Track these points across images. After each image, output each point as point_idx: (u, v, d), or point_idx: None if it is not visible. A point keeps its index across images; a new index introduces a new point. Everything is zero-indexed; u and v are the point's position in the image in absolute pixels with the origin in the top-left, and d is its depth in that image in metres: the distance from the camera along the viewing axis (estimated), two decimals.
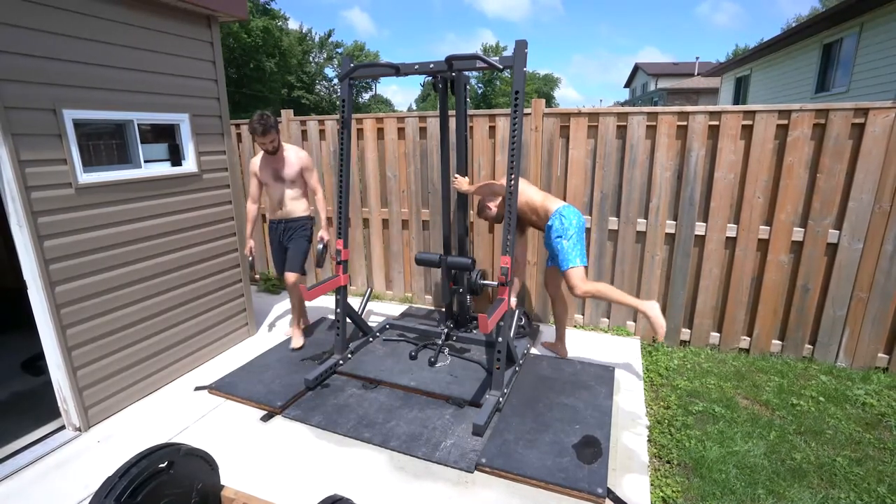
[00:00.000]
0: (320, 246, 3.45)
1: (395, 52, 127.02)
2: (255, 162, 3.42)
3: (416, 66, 2.85)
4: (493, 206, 3.39)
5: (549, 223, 2.99)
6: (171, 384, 3.10)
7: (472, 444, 2.41)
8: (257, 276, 5.16)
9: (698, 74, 25.84)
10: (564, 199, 3.88)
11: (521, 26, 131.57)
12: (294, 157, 3.38)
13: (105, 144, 2.76)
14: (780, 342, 3.42)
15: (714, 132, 3.24)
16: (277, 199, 3.42)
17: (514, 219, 2.59)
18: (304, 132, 4.49)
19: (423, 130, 4.03)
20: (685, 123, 3.27)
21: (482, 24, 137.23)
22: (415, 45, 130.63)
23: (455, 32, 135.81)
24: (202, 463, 1.59)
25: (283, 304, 4.58)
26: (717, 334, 3.56)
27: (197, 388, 3.05)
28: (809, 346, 3.36)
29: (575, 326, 3.93)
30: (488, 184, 3.24)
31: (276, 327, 4.00)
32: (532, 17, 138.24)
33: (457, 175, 3.35)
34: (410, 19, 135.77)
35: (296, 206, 3.46)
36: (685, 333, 3.64)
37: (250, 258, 3.51)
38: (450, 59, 2.67)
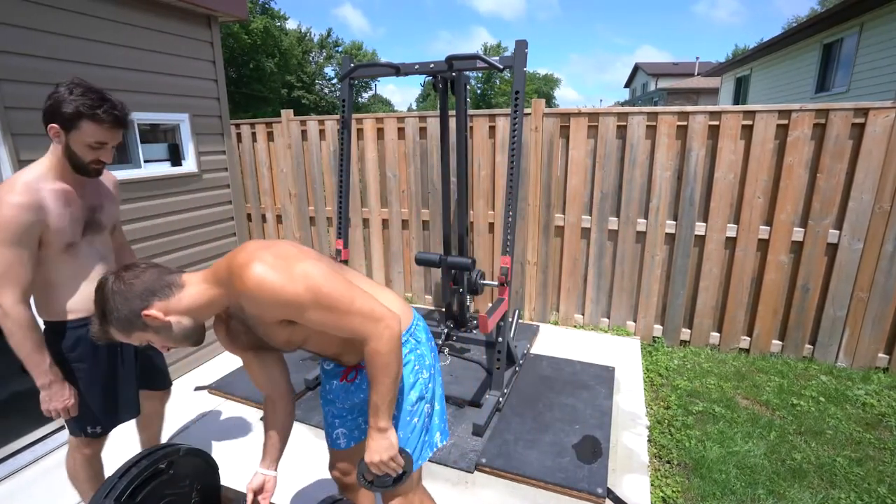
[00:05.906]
0: None
1: (392, 51, 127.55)
2: (28, 202, 1.42)
3: (417, 66, 2.85)
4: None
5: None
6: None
7: (471, 444, 2.42)
8: None
9: (698, 74, 25.84)
10: (564, 200, 3.85)
11: (516, 24, 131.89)
12: (108, 179, 1.75)
13: None
14: (780, 342, 3.42)
15: (714, 132, 3.24)
16: (98, 269, 1.63)
17: (514, 218, 2.59)
18: (303, 132, 4.49)
19: (422, 130, 4.03)
20: (685, 123, 3.26)
21: (476, 21, 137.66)
22: (410, 43, 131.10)
23: (449, 30, 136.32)
24: (202, 463, 1.59)
25: None
26: (717, 334, 3.56)
27: (197, 388, 3.05)
28: (809, 346, 3.36)
29: (575, 326, 3.93)
30: None
31: None
32: (527, 16, 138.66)
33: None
34: (404, 17, 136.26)
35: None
36: (685, 333, 3.64)
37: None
38: (450, 59, 2.67)
